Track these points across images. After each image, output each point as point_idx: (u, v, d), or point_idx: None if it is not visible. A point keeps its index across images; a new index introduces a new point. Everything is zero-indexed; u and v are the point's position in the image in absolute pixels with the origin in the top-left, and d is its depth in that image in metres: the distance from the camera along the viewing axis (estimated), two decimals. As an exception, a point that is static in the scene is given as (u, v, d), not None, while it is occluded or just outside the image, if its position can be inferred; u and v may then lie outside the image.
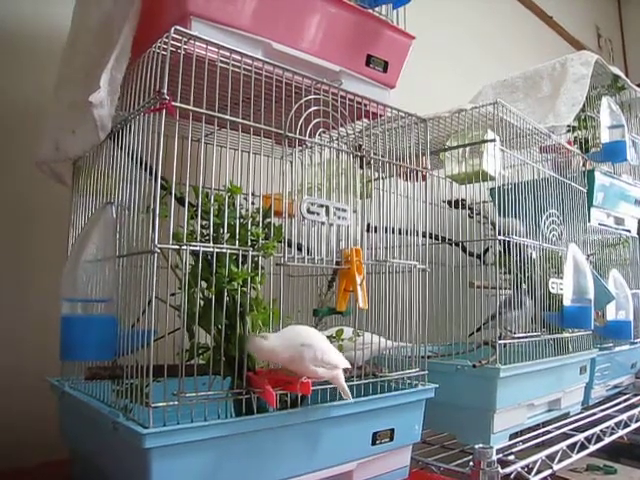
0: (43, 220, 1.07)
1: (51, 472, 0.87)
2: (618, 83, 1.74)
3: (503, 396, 1.04)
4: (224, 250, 0.69)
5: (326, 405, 0.76)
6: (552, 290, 1.22)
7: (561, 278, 1.25)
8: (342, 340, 0.86)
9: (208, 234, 0.70)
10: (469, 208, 1.25)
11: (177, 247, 0.66)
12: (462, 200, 1.28)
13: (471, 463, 0.96)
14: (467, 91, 1.72)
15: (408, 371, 0.90)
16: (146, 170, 0.70)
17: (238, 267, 0.70)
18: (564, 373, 1.26)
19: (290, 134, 0.77)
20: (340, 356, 0.73)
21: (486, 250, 1.26)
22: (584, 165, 1.53)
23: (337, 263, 0.81)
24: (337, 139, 0.88)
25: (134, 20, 0.80)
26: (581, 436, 1.19)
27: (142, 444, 0.59)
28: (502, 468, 0.96)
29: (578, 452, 1.15)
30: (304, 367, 0.69)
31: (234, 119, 0.72)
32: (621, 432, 1.33)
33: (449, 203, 1.31)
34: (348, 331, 0.87)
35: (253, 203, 0.74)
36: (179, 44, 0.69)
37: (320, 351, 0.69)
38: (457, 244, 1.23)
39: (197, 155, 0.70)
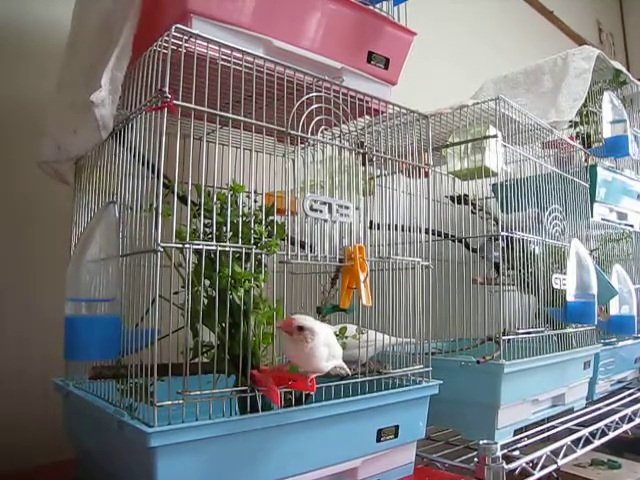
0: (45, 220, 1.07)
1: (57, 472, 0.87)
2: (620, 78, 1.74)
3: (507, 392, 1.04)
4: (227, 248, 0.69)
5: (330, 402, 0.76)
6: (555, 285, 1.21)
7: (564, 273, 1.24)
8: (346, 337, 0.86)
9: (211, 232, 0.70)
10: (472, 204, 1.25)
11: (180, 246, 0.66)
12: (465, 196, 1.27)
13: (476, 459, 0.96)
14: (468, 87, 1.71)
15: (412, 368, 0.90)
16: (148, 169, 0.70)
17: (241, 265, 0.70)
18: (568, 368, 1.26)
19: (292, 132, 0.77)
20: (339, 346, 0.74)
21: (482, 246, 1.25)
22: (586, 160, 1.53)
23: (340, 260, 0.81)
24: (339, 136, 0.88)
25: (135, 19, 0.80)
26: (585, 431, 1.19)
27: (147, 443, 0.59)
28: (507, 464, 0.96)
29: (583, 447, 1.15)
30: (319, 364, 0.69)
31: (236, 117, 0.72)
32: (625, 427, 1.33)
33: (452, 199, 1.30)
34: (351, 328, 0.87)
35: (256, 201, 0.74)
36: (180, 42, 0.69)
37: (333, 348, 0.70)
38: (460, 240, 1.23)
39: (199, 153, 0.70)
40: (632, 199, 1.70)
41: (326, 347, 0.69)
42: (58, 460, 0.88)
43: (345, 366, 0.75)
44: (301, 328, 0.67)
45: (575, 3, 3.24)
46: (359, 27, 0.94)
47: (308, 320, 0.68)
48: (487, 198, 1.23)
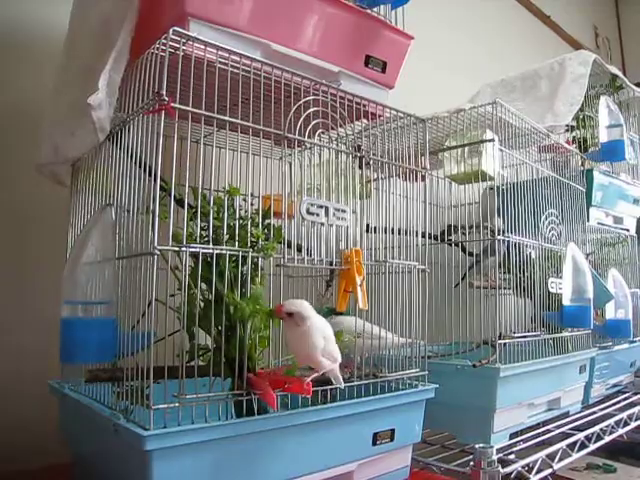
0: (42, 222, 1.07)
1: (52, 475, 0.87)
2: (616, 82, 1.75)
3: (503, 395, 1.04)
4: (224, 251, 0.69)
5: (326, 406, 0.76)
6: (551, 289, 1.22)
7: (560, 277, 1.25)
8: (342, 341, 0.86)
9: (207, 235, 0.70)
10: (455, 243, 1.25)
11: (177, 249, 0.66)
12: (453, 227, 1.27)
13: (471, 463, 0.96)
14: (465, 91, 1.72)
15: (408, 371, 0.90)
16: (145, 171, 0.70)
17: (238, 268, 0.70)
18: (564, 372, 1.26)
19: (289, 135, 0.77)
20: (338, 349, 0.74)
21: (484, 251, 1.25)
22: (583, 164, 1.53)
23: (337, 264, 0.81)
24: (336, 140, 0.88)
25: (132, 21, 0.80)
26: (581, 435, 1.19)
27: (143, 446, 0.59)
28: (502, 467, 0.96)
29: (578, 451, 1.15)
30: (315, 357, 0.69)
31: (233, 120, 0.72)
32: (621, 431, 1.33)
33: (440, 238, 1.29)
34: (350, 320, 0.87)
35: (252, 204, 0.74)
36: (178, 45, 0.69)
37: (330, 344, 0.70)
38: (457, 244, 1.23)
39: (196, 156, 0.70)
40: (628, 203, 1.71)
41: (322, 337, 0.69)
42: (55, 463, 0.88)
43: (340, 377, 0.75)
44: (290, 314, 0.68)
45: (572, 7, 3.26)
46: (357, 31, 0.95)
47: (296, 304, 0.69)
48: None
